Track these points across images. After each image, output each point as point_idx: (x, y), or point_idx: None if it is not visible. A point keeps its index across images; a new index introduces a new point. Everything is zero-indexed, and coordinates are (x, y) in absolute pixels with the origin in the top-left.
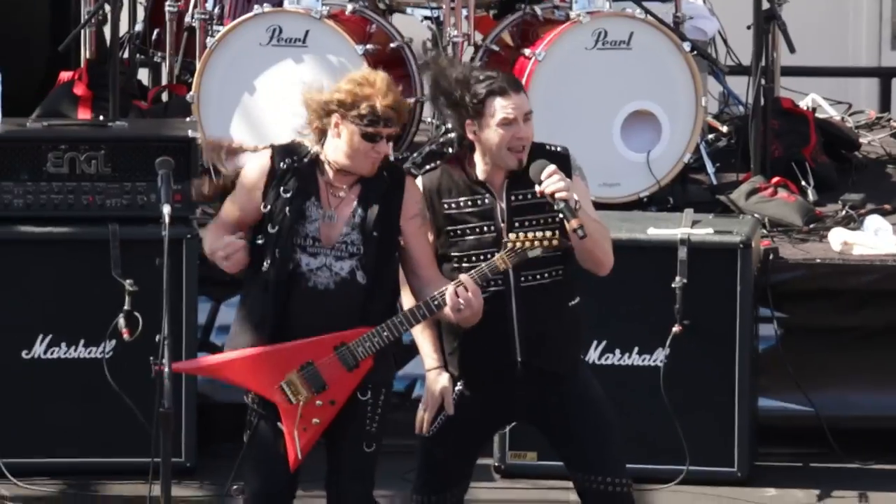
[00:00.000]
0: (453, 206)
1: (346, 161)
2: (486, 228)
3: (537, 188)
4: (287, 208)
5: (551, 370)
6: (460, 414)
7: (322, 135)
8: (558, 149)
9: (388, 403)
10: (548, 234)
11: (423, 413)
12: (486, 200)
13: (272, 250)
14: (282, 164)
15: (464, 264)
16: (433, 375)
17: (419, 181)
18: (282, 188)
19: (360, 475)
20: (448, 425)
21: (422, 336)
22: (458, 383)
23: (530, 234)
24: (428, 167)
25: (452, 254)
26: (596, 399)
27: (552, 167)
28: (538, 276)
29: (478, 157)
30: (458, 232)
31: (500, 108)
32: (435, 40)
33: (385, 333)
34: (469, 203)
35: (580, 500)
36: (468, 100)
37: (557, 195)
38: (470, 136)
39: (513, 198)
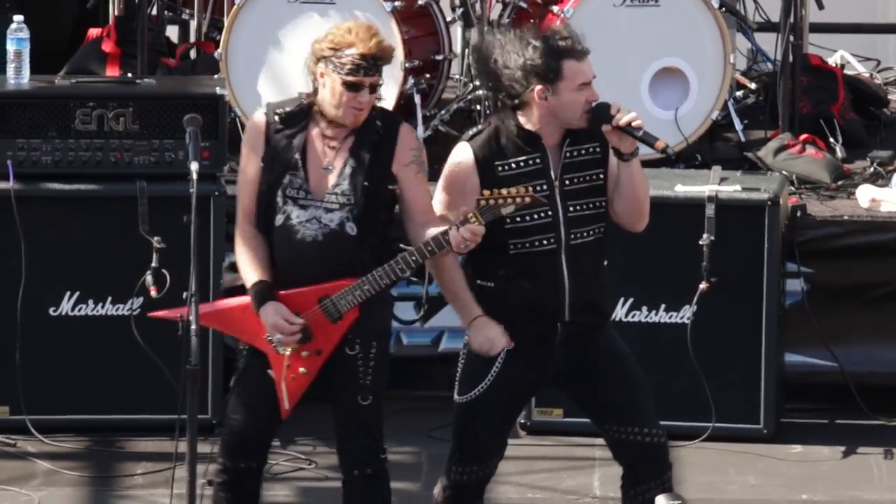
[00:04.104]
0: (506, 168)
1: (332, 112)
2: (539, 188)
3: (605, 128)
4: (280, 158)
5: (591, 325)
6: (500, 382)
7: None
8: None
9: (381, 353)
10: (521, 189)
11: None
12: (538, 160)
13: (264, 201)
14: (275, 117)
15: (517, 223)
16: (483, 321)
17: (467, 147)
18: (276, 140)
19: (363, 428)
20: (487, 394)
21: (459, 290)
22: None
23: (503, 191)
24: (473, 132)
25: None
26: (625, 354)
27: (617, 103)
28: (584, 234)
29: (531, 118)
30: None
31: (580, 72)
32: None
33: (366, 286)
34: (521, 163)
35: (613, 454)
36: (544, 66)
37: (634, 123)
38: (538, 100)
39: (568, 154)
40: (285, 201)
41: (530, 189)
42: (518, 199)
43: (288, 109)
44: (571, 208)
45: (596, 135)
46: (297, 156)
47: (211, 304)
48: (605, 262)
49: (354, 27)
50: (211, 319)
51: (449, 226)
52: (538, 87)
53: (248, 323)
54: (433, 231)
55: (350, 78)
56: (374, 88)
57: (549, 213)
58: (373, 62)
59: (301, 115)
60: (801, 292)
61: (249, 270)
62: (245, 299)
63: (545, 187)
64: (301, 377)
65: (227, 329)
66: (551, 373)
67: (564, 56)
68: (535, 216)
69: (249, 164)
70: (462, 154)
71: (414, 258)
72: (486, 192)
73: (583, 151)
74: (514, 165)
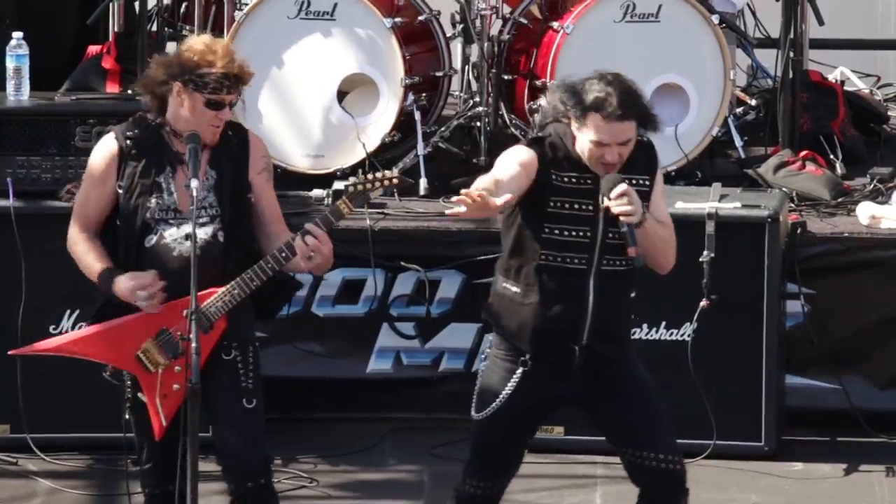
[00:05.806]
0: (559, 179)
1: (189, 129)
2: (583, 206)
3: (604, 201)
4: (141, 182)
5: (610, 357)
6: (516, 399)
7: (162, 103)
8: (644, 139)
9: (257, 358)
10: (387, 174)
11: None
12: (590, 181)
13: (126, 224)
14: (127, 140)
15: (554, 235)
16: None
17: (530, 150)
18: (132, 164)
19: (251, 435)
20: (503, 411)
21: None
22: (521, 363)
23: (370, 176)
24: (531, 138)
25: (545, 224)
26: (647, 380)
27: (624, 187)
28: (617, 262)
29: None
30: (558, 204)
31: (597, 129)
32: (463, 14)
33: (236, 291)
34: (574, 180)
35: (630, 477)
36: (575, 102)
37: (623, 218)
38: (572, 130)
39: None
40: (157, 223)
41: (397, 171)
42: (386, 182)
43: (137, 132)
44: (611, 234)
45: (650, 167)
46: (158, 178)
47: (69, 333)
48: (632, 296)
49: (213, 45)
50: (70, 348)
51: (293, 236)
52: (572, 118)
53: (114, 346)
54: (285, 239)
55: (212, 96)
56: (232, 105)
57: (588, 233)
58: (235, 81)
59: (151, 136)
60: (803, 312)
61: (92, 262)
62: (107, 324)
63: (591, 208)
64: (174, 393)
65: (93, 354)
66: (570, 393)
67: (595, 107)
68: (575, 233)
69: (97, 189)
70: (525, 151)
71: (269, 265)
72: (353, 180)
73: (633, 181)
74: (565, 179)
